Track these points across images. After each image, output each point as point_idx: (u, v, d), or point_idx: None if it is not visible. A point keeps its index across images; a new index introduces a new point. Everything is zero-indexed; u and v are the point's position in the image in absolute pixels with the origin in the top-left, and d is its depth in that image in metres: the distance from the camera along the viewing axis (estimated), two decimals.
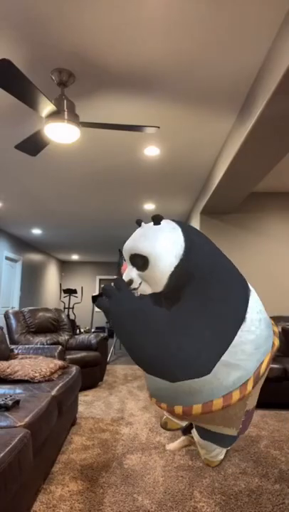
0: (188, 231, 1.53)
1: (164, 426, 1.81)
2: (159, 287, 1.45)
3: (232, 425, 1.51)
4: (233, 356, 1.41)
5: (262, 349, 1.48)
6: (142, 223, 1.63)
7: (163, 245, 1.44)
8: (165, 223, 1.56)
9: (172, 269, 1.42)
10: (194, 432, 1.61)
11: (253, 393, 1.53)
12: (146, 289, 1.44)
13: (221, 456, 1.62)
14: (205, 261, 1.48)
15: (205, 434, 1.55)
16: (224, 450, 1.62)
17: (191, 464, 2.18)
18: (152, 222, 1.56)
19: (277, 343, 1.72)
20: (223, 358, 1.39)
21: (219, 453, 1.61)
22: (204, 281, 1.43)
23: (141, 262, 1.44)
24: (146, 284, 1.43)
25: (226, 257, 1.64)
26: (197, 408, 1.38)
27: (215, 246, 1.64)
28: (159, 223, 1.55)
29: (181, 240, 1.46)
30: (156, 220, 1.55)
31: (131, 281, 1.43)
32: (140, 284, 1.43)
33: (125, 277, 1.43)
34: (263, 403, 3.45)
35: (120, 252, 8.63)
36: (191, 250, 1.46)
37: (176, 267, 1.41)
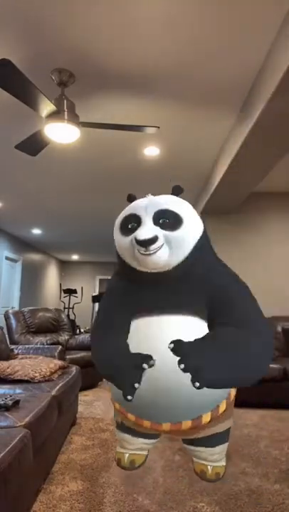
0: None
1: (132, 465, 1.39)
2: (180, 256, 1.19)
3: (231, 415, 1.41)
4: None
5: None
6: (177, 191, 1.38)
7: (193, 211, 1.28)
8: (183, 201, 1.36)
9: (197, 238, 1.22)
10: (200, 450, 1.37)
11: None
12: (163, 255, 1.15)
13: (225, 459, 1.53)
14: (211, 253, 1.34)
15: (217, 440, 1.38)
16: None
17: (191, 464, 2.18)
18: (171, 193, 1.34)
19: None
20: None
21: (225, 451, 1.52)
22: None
23: (173, 219, 1.20)
24: (167, 248, 1.16)
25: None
26: (206, 417, 1.22)
27: None
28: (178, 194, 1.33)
29: (199, 217, 1.33)
30: (177, 191, 1.36)
31: (156, 238, 1.13)
32: (162, 246, 1.15)
33: (146, 233, 1.13)
34: (263, 403, 3.45)
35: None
36: (206, 232, 1.30)
37: (200, 240, 1.23)
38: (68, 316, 8.75)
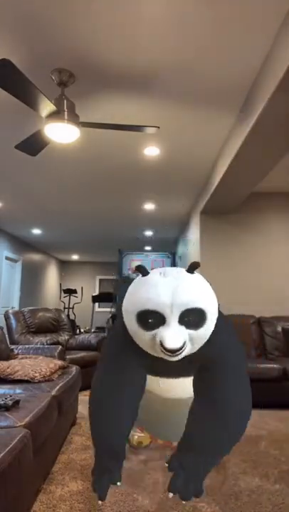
0: None
1: (140, 445, 1.73)
2: (196, 349, 1.24)
3: None
4: None
5: None
6: (165, 271, 1.27)
7: (212, 295, 1.26)
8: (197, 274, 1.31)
9: (214, 325, 1.25)
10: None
11: None
12: (185, 352, 1.20)
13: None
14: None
15: None
16: None
17: None
18: (187, 270, 1.29)
19: None
20: None
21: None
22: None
23: (198, 318, 1.18)
24: (189, 344, 1.19)
25: None
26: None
27: None
28: (193, 272, 1.29)
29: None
30: (194, 268, 1.28)
31: (184, 346, 1.16)
32: (186, 346, 1.19)
33: (176, 342, 1.14)
34: (263, 403, 3.44)
35: (120, 251, 8.61)
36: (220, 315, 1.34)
37: (216, 323, 1.27)
38: (68, 316, 8.75)
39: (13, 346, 3.39)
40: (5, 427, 1.55)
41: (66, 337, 4.61)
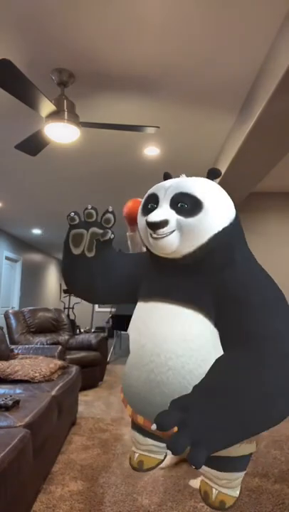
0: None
1: (140, 467, 1.25)
2: (193, 246, 1.07)
3: (254, 438, 1.13)
4: None
5: None
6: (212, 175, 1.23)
7: (222, 197, 1.14)
8: (211, 182, 1.21)
9: (220, 229, 1.07)
10: (208, 471, 1.14)
11: None
12: (173, 242, 1.06)
13: (238, 491, 1.17)
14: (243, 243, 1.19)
15: (228, 464, 1.13)
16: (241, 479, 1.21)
17: (191, 464, 2.18)
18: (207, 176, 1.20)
19: None
20: None
21: (239, 483, 1.17)
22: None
23: (191, 204, 1.06)
24: (179, 234, 1.06)
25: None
26: None
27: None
28: (216, 178, 1.20)
29: (233, 209, 1.16)
30: (214, 175, 1.19)
31: (166, 223, 1.04)
32: (172, 232, 1.05)
33: (156, 216, 1.05)
34: None
35: (120, 251, 8.61)
36: (239, 222, 1.16)
37: (223, 230, 1.08)
38: (68, 316, 8.75)
39: (13, 346, 3.39)
40: (5, 427, 1.55)
41: (66, 337, 4.61)
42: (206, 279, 1.08)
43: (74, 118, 2.51)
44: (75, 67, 2.47)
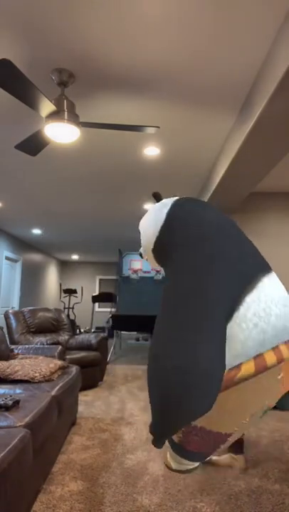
0: (176, 208, 1.44)
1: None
2: (151, 261, 1.53)
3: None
4: None
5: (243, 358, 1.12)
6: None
7: (147, 221, 1.48)
8: (163, 201, 1.56)
9: (153, 242, 1.44)
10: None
11: (213, 411, 1.08)
12: (149, 261, 1.56)
13: (175, 467, 1.34)
14: (182, 243, 1.31)
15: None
16: (185, 464, 1.33)
17: None
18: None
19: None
20: None
21: (178, 461, 1.35)
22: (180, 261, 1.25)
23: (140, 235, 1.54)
24: (146, 256, 1.56)
25: (218, 243, 1.34)
26: None
27: (207, 228, 1.43)
28: (158, 201, 1.61)
29: (163, 217, 1.41)
30: (155, 197, 1.66)
31: (141, 254, 1.62)
32: (146, 257, 1.56)
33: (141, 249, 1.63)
34: None
35: (120, 251, 8.62)
36: (169, 228, 1.38)
37: (155, 242, 1.42)
38: (68, 316, 8.75)
39: (13, 346, 3.39)
40: (5, 427, 1.55)
41: (66, 337, 4.61)
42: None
43: (74, 118, 2.51)
44: (75, 67, 2.47)
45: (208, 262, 1.20)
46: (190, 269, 1.20)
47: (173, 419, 1.02)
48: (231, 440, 1.18)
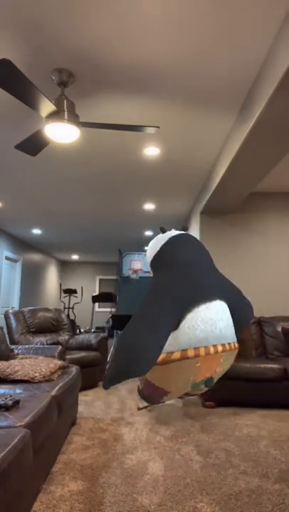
0: (168, 243, 2.03)
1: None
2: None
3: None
4: None
5: (187, 342, 1.86)
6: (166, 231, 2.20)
7: (151, 246, 2.03)
8: (165, 234, 2.09)
9: (149, 262, 2.00)
10: None
11: (153, 371, 1.85)
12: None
13: (140, 405, 1.93)
14: (166, 266, 1.96)
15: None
16: (144, 403, 1.95)
17: (191, 464, 2.18)
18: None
19: (229, 347, 2.00)
20: None
21: (141, 401, 1.92)
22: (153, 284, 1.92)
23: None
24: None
25: (179, 272, 2.03)
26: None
27: (185, 256, 2.08)
28: (163, 233, 2.10)
29: (158, 247, 1.99)
30: (161, 230, 2.14)
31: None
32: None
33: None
34: (263, 403, 3.45)
35: (120, 251, 8.63)
36: (158, 256, 1.99)
37: (151, 262, 1.99)
38: (68, 316, 8.74)
39: (13, 346, 3.39)
40: (5, 427, 1.55)
41: (66, 337, 4.61)
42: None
43: (74, 118, 2.51)
44: (75, 67, 2.47)
45: (169, 285, 1.89)
46: (157, 286, 1.88)
47: (119, 374, 1.67)
48: (171, 396, 1.81)
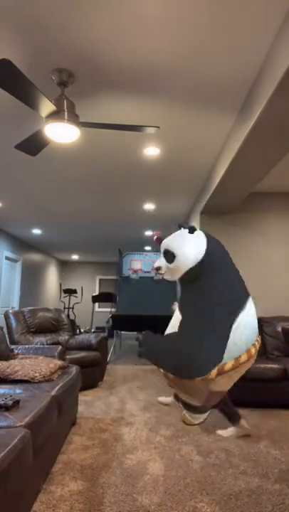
0: (209, 243, 2.11)
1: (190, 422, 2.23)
2: (176, 277, 2.06)
3: (194, 397, 2.05)
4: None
5: (242, 347, 2.04)
6: (182, 228, 2.18)
7: (188, 250, 2.00)
8: (196, 233, 2.14)
9: (190, 266, 1.97)
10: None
11: (221, 380, 2.02)
12: (167, 276, 2.02)
13: (196, 422, 2.09)
14: (215, 268, 1.99)
15: (182, 400, 2.15)
16: (201, 417, 2.11)
17: (191, 464, 2.18)
18: (187, 230, 2.13)
19: (258, 344, 2.22)
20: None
21: (196, 418, 2.11)
22: (209, 285, 1.99)
23: (171, 257, 1.99)
24: (169, 272, 2.01)
25: (231, 270, 2.13)
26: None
27: (227, 258, 2.18)
28: (192, 233, 2.11)
29: (203, 248, 2.01)
30: (191, 230, 2.10)
31: (159, 268, 2.02)
32: (165, 272, 2.01)
33: (156, 264, 1.98)
34: (263, 403, 3.45)
35: (120, 251, 8.63)
36: (208, 258, 2.00)
37: (192, 267, 1.96)
38: (68, 316, 8.74)
39: (13, 346, 3.39)
40: (5, 427, 1.55)
41: (66, 337, 4.61)
42: (187, 287, 2.04)
43: (74, 118, 2.51)
44: (75, 67, 2.47)
45: (223, 287, 1.98)
46: (212, 291, 1.95)
47: (179, 368, 1.89)
48: (221, 396, 2.12)
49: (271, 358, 3.94)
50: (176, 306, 2.36)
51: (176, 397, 2.71)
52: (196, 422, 2.09)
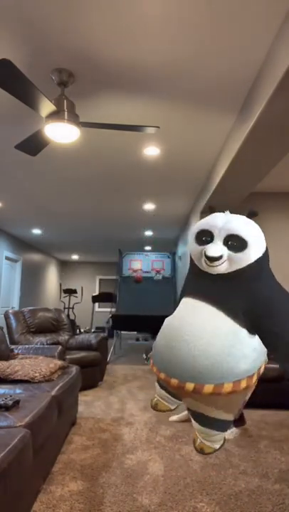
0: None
1: (155, 407, 1.81)
2: (235, 268, 1.52)
3: (232, 411, 1.61)
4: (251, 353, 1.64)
5: (264, 352, 1.71)
6: (250, 215, 1.75)
7: (260, 235, 1.59)
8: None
9: (254, 259, 1.53)
10: (194, 422, 1.62)
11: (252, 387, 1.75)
12: (223, 267, 1.49)
13: (218, 445, 1.65)
14: (268, 264, 1.71)
15: (205, 421, 1.61)
16: (223, 439, 1.69)
17: (191, 464, 2.18)
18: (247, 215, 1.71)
19: None
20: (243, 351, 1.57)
21: (218, 440, 1.65)
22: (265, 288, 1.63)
23: (239, 243, 1.49)
24: (227, 263, 1.49)
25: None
26: (208, 388, 1.44)
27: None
28: (251, 217, 1.68)
29: (264, 238, 1.65)
30: (254, 215, 1.67)
31: (221, 257, 1.49)
32: (224, 262, 1.49)
33: (214, 252, 1.47)
34: (263, 403, 3.45)
35: (120, 251, 8.63)
36: (266, 252, 1.68)
37: (257, 259, 1.54)
38: (68, 316, 8.75)
39: (13, 346, 3.39)
40: (5, 427, 1.55)
41: (66, 337, 4.61)
42: (236, 287, 1.52)
43: (74, 118, 2.51)
44: (75, 67, 2.47)
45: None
46: (281, 287, 1.70)
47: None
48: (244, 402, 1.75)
49: (271, 358, 3.94)
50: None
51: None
52: (218, 447, 1.71)
